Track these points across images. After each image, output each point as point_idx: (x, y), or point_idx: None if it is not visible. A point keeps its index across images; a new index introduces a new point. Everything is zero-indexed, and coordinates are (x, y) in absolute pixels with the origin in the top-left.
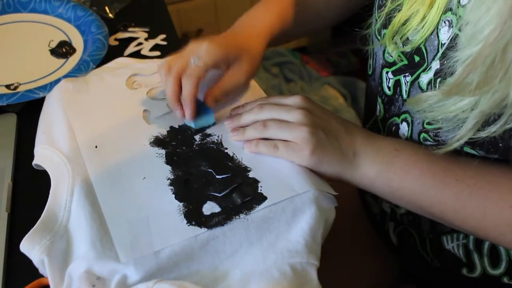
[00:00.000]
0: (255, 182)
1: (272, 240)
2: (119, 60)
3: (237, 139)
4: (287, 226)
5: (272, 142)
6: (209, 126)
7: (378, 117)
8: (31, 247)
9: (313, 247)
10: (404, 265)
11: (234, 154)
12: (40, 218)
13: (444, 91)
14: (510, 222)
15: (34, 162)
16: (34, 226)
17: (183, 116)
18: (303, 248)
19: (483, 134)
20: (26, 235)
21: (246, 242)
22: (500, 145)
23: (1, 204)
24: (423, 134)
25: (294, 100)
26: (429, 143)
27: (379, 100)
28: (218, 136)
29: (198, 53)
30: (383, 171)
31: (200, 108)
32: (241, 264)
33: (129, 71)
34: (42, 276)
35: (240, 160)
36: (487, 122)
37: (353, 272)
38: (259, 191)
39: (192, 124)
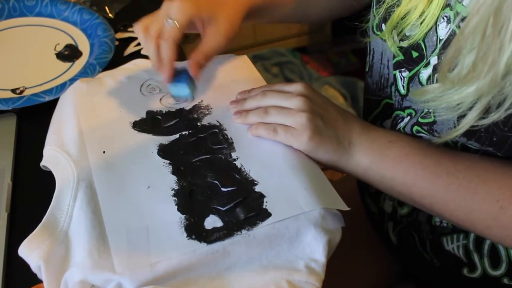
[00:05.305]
0: (261, 196)
1: (272, 257)
2: (137, 62)
3: (239, 121)
4: (289, 244)
5: (272, 126)
6: (186, 100)
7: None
8: (29, 252)
9: (314, 268)
10: (403, 264)
11: (242, 165)
12: (41, 222)
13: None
14: (496, 216)
15: (42, 163)
16: (34, 231)
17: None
18: (304, 268)
19: (485, 121)
20: (25, 240)
21: (245, 256)
22: (494, 139)
23: (1, 204)
24: (416, 127)
25: (296, 87)
26: (422, 134)
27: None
28: (227, 148)
29: (171, 13)
30: (376, 162)
31: (182, 77)
32: (239, 277)
33: (146, 74)
34: (41, 281)
35: (248, 172)
36: (488, 110)
37: (352, 270)
38: (264, 206)
39: (171, 90)
